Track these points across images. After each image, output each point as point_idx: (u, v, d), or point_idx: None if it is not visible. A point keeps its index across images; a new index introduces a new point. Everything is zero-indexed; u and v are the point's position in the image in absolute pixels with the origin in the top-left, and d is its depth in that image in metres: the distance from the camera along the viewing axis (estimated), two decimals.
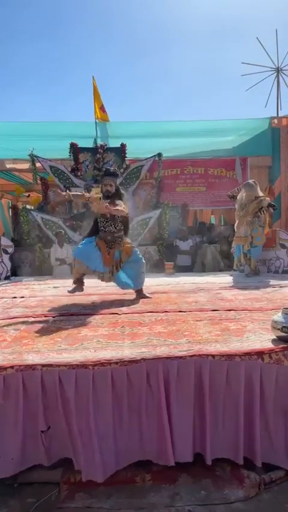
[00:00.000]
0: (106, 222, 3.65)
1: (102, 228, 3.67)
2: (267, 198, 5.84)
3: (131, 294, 3.84)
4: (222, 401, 1.83)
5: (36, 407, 1.77)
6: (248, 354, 1.85)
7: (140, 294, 3.79)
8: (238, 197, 5.73)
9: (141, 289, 3.82)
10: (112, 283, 3.95)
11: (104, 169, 4.32)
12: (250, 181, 5.79)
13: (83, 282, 3.88)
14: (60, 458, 1.82)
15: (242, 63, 12.03)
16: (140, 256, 3.83)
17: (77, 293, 3.85)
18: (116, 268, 3.69)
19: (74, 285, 3.85)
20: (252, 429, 1.82)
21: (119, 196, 3.71)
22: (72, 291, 3.80)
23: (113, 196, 3.64)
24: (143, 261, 3.82)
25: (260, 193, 5.70)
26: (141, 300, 3.63)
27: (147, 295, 3.79)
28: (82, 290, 3.87)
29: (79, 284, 3.85)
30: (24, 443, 1.78)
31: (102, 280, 3.79)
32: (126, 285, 3.80)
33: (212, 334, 2.26)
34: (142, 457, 1.82)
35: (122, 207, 3.55)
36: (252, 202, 5.48)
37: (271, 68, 10.61)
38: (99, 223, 3.70)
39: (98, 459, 1.70)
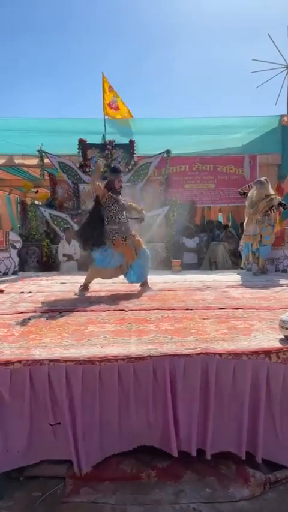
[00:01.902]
0: (118, 211, 3.80)
1: (114, 217, 3.78)
2: (278, 197, 5.77)
3: (137, 291, 3.87)
4: (227, 400, 1.83)
5: (43, 401, 1.78)
6: (256, 352, 1.84)
7: (145, 286, 3.96)
8: (249, 194, 5.67)
9: (146, 281, 4.01)
10: (119, 280, 3.97)
11: (113, 166, 4.39)
12: (262, 179, 5.70)
13: (89, 287, 3.97)
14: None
15: (253, 59, 11.85)
16: (147, 250, 4.00)
17: None
18: (132, 258, 3.85)
19: (81, 288, 3.89)
20: (256, 426, 1.81)
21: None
22: (80, 294, 3.80)
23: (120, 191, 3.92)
24: (148, 253, 4.00)
25: (271, 192, 5.63)
26: (148, 297, 3.63)
27: (152, 288, 3.93)
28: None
29: (86, 289, 3.92)
30: (31, 436, 1.80)
31: (120, 273, 3.95)
32: (133, 281, 3.99)
33: (219, 332, 2.25)
34: (148, 442, 1.84)
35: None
36: (262, 200, 5.42)
37: (282, 65, 10.48)
38: (111, 214, 3.77)
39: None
